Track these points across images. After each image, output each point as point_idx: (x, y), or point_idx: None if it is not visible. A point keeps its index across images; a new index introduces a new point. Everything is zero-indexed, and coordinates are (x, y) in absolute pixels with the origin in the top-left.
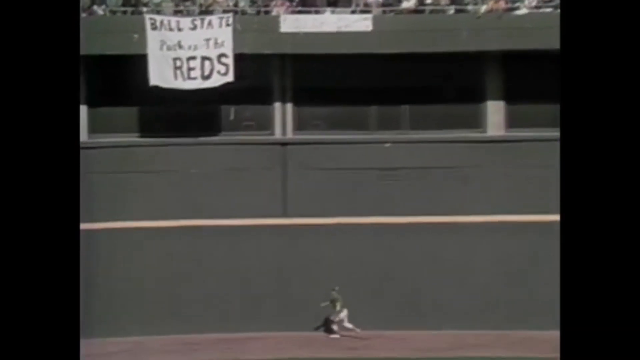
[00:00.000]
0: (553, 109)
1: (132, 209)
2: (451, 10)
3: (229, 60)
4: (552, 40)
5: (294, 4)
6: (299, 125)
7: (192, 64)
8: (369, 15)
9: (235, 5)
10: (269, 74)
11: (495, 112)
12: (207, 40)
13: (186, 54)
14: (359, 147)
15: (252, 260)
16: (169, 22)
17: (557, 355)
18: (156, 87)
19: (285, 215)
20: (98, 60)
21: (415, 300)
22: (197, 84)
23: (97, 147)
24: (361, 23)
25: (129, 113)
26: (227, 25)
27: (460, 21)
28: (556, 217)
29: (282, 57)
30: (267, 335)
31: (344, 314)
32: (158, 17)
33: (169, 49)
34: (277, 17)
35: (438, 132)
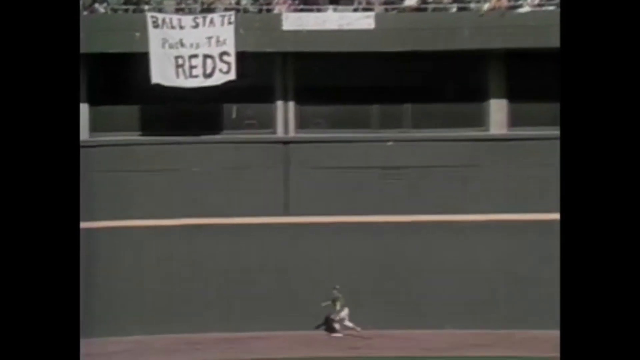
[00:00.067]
0: (556, 108)
1: (133, 207)
2: (453, 8)
3: (231, 59)
4: (554, 39)
5: (296, 2)
6: (301, 124)
7: (194, 62)
8: (371, 14)
9: (237, 3)
10: (271, 72)
11: (497, 110)
12: (209, 38)
13: (188, 52)
14: (361, 145)
15: (253, 259)
16: (171, 20)
17: (557, 355)
18: (158, 85)
19: (287, 213)
20: (99, 59)
21: (416, 299)
22: (199, 82)
23: (98, 145)
24: (363, 21)
25: (131, 111)
26: (229, 23)
27: (463, 19)
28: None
29: (284, 55)
30: (268, 335)
31: (344, 313)
32: (160, 15)
33: (170, 47)
34: (279, 15)
35: (440, 130)
